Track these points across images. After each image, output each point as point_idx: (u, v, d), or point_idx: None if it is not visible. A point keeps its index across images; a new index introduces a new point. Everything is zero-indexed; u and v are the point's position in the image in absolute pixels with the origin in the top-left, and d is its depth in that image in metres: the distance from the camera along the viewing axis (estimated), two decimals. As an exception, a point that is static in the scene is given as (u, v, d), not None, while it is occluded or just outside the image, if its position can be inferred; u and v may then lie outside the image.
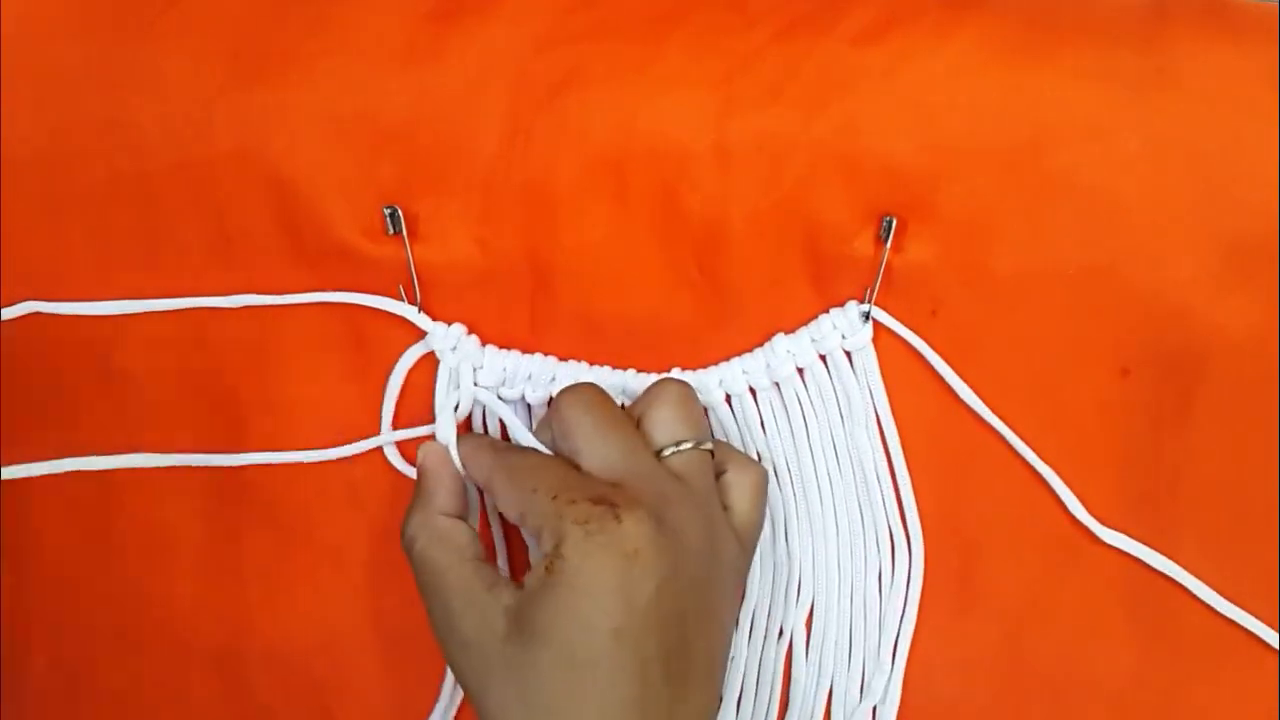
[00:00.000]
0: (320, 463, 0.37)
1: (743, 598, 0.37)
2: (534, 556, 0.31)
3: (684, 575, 0.29)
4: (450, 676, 0.37)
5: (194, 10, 0.35)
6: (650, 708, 0.28)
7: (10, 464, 0.38)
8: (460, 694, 0.37)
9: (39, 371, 0.38)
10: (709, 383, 0.36)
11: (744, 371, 0.36)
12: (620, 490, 0.30)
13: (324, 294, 0.36)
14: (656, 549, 0.29)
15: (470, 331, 0.37)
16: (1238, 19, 0.34)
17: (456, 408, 0.35)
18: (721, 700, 0.33)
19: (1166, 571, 0.36)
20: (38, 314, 0.37)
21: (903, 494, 0.36)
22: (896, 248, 0.35)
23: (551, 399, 0.35)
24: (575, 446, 0.32)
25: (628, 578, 0.28)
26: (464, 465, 0.34)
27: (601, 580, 0.28)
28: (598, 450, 0.31)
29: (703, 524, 0.31)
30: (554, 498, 0.30)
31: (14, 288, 0.37)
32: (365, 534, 0.37)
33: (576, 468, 0.32)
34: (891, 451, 0.36)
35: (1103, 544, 0.36)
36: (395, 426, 0.37)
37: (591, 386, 0.33)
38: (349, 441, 0.37)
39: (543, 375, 0.36)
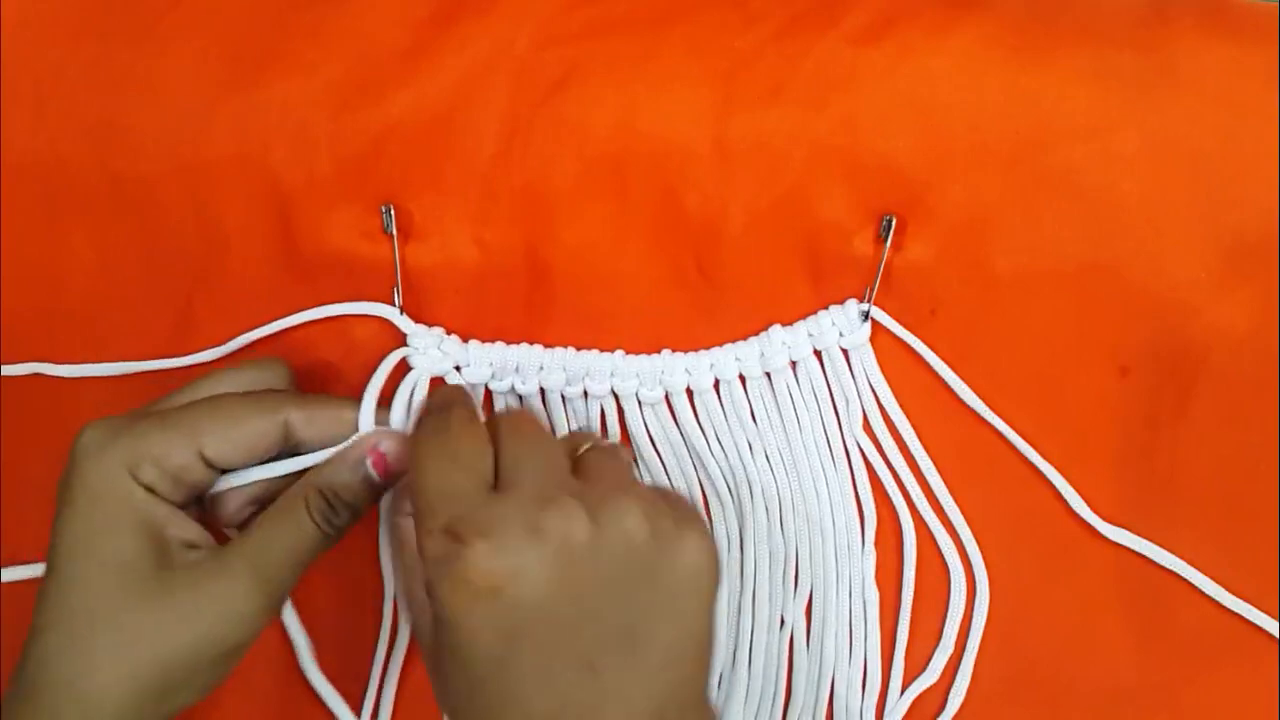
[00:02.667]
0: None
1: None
2: None
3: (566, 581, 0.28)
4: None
5: (194, 13, 0.35)
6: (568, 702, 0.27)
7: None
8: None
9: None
10: (700, 365, 0.36)
11: (736, 359, 0.36)
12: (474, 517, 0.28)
13: (307, 313, 0.36)
14: (515, 577, 0.27)
15: (452, 331, 0.36)
16: (1238, 19, 0.34)
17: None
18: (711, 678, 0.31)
19: (1170, 566, 0.36)
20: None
21: (932, 485, 0.36)
22: (896, 246, 0.35)
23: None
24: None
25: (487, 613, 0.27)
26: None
27: (463, 622, 0.27)
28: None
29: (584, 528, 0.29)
30: (422, 524, 0.29)
31: (13, 290, 0.37)
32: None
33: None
34: (910, 446, 0.36)
35: (1101, 541, 0.36)
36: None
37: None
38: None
39: (529, 365, 0.36)
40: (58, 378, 0.37)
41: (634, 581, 0.28)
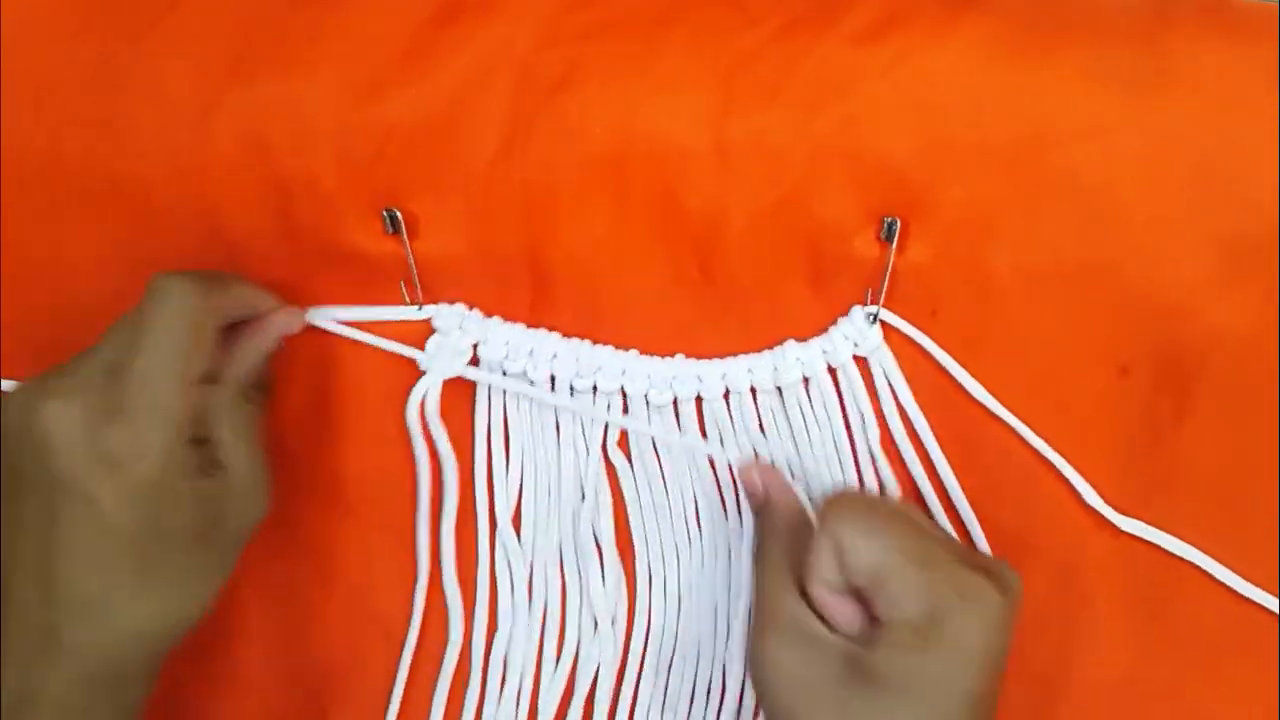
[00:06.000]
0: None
1: None
2: (886, 612, 0.31)
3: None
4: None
5: (194, 13, 0.35)
6: None
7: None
8: None
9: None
10: (712, 374, 0.36)
11: (749, 370, 0.36)
12: (997, 561, 0.33)
13: (329, 314, 0.37)
14: (1008, 623, 0.31)
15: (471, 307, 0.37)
16: (1238, 19, 0.34)
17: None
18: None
19: (1185, 555, 0.36)
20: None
21: (953, 496, 0.37)
22: (897, 248, 0.35)
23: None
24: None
25: (996, 648, 0.31)
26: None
27: (976, 647, 0.31)
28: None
29: None
30: (921, 565, 0.31)
31: (13, 290, 0.37)
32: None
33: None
34: (931, 453, 0.36)
35: (1105, 536, 0.36)
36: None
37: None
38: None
39: (544, 351, 0.36)
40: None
41: None
